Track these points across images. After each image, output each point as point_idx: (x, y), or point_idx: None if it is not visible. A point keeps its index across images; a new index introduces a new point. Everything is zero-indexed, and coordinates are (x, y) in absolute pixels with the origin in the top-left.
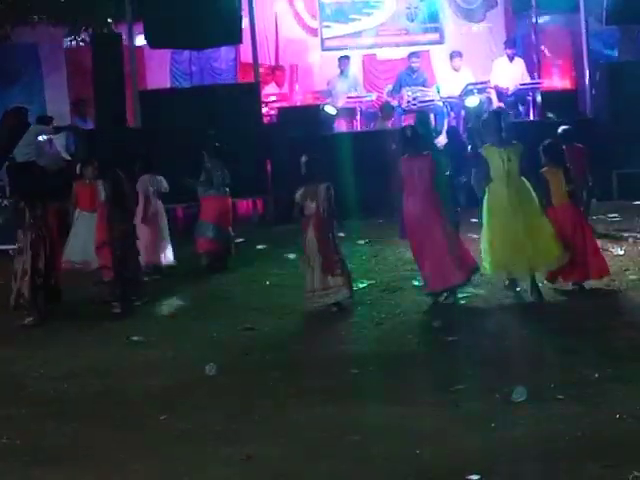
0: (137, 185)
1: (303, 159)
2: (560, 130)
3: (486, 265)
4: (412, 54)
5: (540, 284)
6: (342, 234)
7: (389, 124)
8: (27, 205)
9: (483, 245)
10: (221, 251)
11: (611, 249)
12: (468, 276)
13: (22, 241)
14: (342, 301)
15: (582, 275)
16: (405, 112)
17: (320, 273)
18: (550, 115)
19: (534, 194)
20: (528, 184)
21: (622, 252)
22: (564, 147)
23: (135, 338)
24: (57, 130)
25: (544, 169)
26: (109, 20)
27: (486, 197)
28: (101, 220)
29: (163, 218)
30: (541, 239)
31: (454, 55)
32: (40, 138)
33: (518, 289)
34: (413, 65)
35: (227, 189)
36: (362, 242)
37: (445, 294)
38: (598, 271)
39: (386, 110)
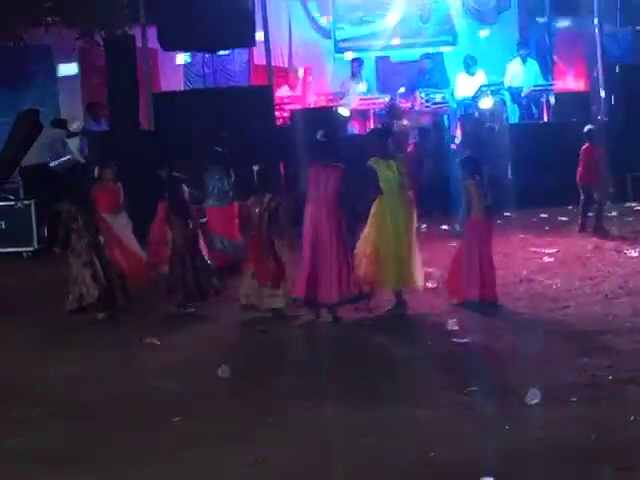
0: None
1: (255, 168)
2: (586, 129)
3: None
4: (424, 56)
5: None
6: None
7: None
8: (79, 209)
9: (369, 257)
10: (231, 260)
11: (625, 251)
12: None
13: (77, 245)
14: (278, 309)
15: (472, 294)
16: (419, 113)
17: (251, 280)
18: None
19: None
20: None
21: (636, 254)
22: (588, 146)
23: (149, 340)
24: (70, 134)
25: (467, 182)
26: (123, 22)
27: (376, 209)
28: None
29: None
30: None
31: (469, 62)
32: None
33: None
34: (425, 67)
35: (230, 196)
36: None
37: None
38: (486, 292)
39: (394, 110)
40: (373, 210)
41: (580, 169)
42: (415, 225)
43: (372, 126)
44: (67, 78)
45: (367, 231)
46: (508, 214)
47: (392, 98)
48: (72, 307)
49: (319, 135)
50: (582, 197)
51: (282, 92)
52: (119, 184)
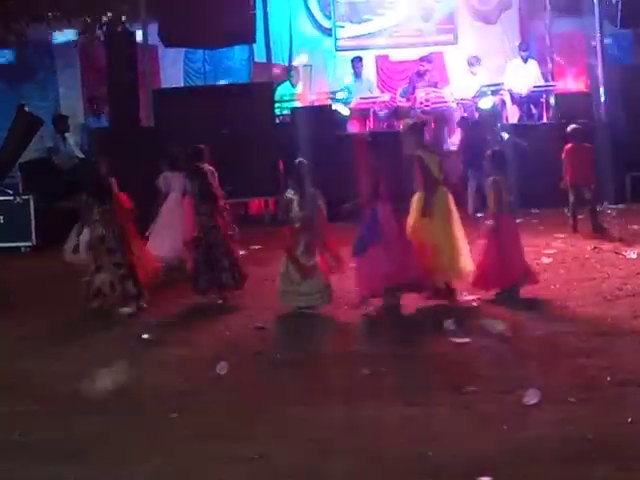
0: (158, 181)
1: (297, 161)
2: (569, 129)
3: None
4: (422, 58)
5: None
6: None
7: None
8: (96, 200)
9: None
10: None
11: (624, 252)
12: None
13: (92, 236)
14: (315, 306)
15: (506, 281)
16: (423, 113)
17: (299, 275)
18: None
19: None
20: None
21: (635, 256)
22: (572, 145)
23: (148, 336)
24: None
25: (493, 177)
26: (123, 18)
27: (423, 202)
28: (190, 215)
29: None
30: (458, 250)
31: (473, 62)
32: None
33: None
34: (422, 69)
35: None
36: None
37: None
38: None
39: (400, 112)
40: (419, 202)
41: (566, 170)
42: (457, 218)
43: (372, 125)
44: (68, 73)
45: (422, 222)
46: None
47: (393, 97)
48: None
49: (367, 136)
50: (571, 199)
51: (283, 89)
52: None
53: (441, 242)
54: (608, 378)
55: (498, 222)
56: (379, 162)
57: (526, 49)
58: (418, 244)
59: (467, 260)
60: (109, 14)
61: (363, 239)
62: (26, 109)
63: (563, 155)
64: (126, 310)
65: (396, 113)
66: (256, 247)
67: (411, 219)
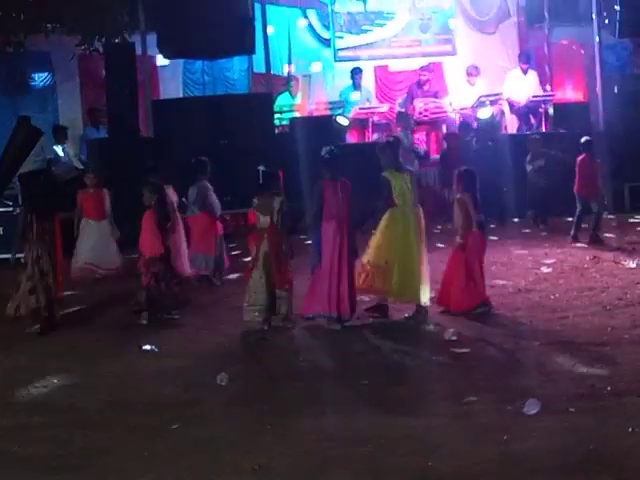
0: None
1: (261, 168)
2: (582, 140)
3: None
4: (422, 68)
5: None
6: None
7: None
8: (36, 218)
9: (379, 268)
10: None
11: (623, 262)
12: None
13: (27, 254)
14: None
15: (477, 299)
16: (418, 123)
17: (268, 288)
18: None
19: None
20: (421, 213)
21: (634, 265)
22: (584, 157)
23: (148, 347)
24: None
25: (461, 195)
26: (122, 30)
27: (389, 220)
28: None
29: (181, 229)
30: (422, 270)
31: (472, 72)
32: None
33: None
34: (422, 79)
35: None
36: None
37: None
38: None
39: (402, 119)
40: (385, 221)
41: (577, 180)
42: (424, 239)
43: (370, 136)
44: (67, 84)
45: (378, 241)
46: (504, 225)
47: (392, 107)
48: (9, 313)
49: (324, 152)
50: (579, 208)
51: (282, 100)
52: (104, 191)
53: (401, 262)
54: (608, 388)
55: (466, 240)
56: (336, 178)
57: (526, 61)
58: (372, 264)
59: (425, 282)
60: (108, 25)
61: (311, 260)
62: (24, 120)
63: (576, 166)
64: (33, 329)
65: (398, 118)
66: None
67: (374, 237)
